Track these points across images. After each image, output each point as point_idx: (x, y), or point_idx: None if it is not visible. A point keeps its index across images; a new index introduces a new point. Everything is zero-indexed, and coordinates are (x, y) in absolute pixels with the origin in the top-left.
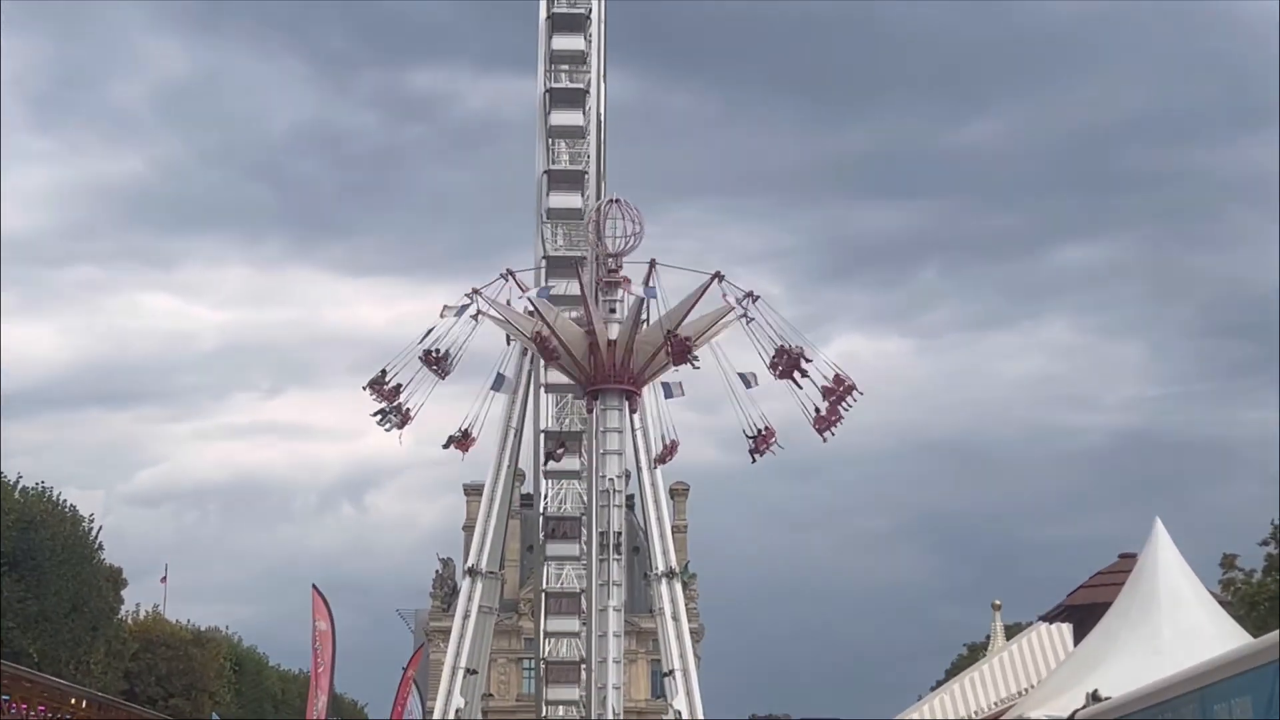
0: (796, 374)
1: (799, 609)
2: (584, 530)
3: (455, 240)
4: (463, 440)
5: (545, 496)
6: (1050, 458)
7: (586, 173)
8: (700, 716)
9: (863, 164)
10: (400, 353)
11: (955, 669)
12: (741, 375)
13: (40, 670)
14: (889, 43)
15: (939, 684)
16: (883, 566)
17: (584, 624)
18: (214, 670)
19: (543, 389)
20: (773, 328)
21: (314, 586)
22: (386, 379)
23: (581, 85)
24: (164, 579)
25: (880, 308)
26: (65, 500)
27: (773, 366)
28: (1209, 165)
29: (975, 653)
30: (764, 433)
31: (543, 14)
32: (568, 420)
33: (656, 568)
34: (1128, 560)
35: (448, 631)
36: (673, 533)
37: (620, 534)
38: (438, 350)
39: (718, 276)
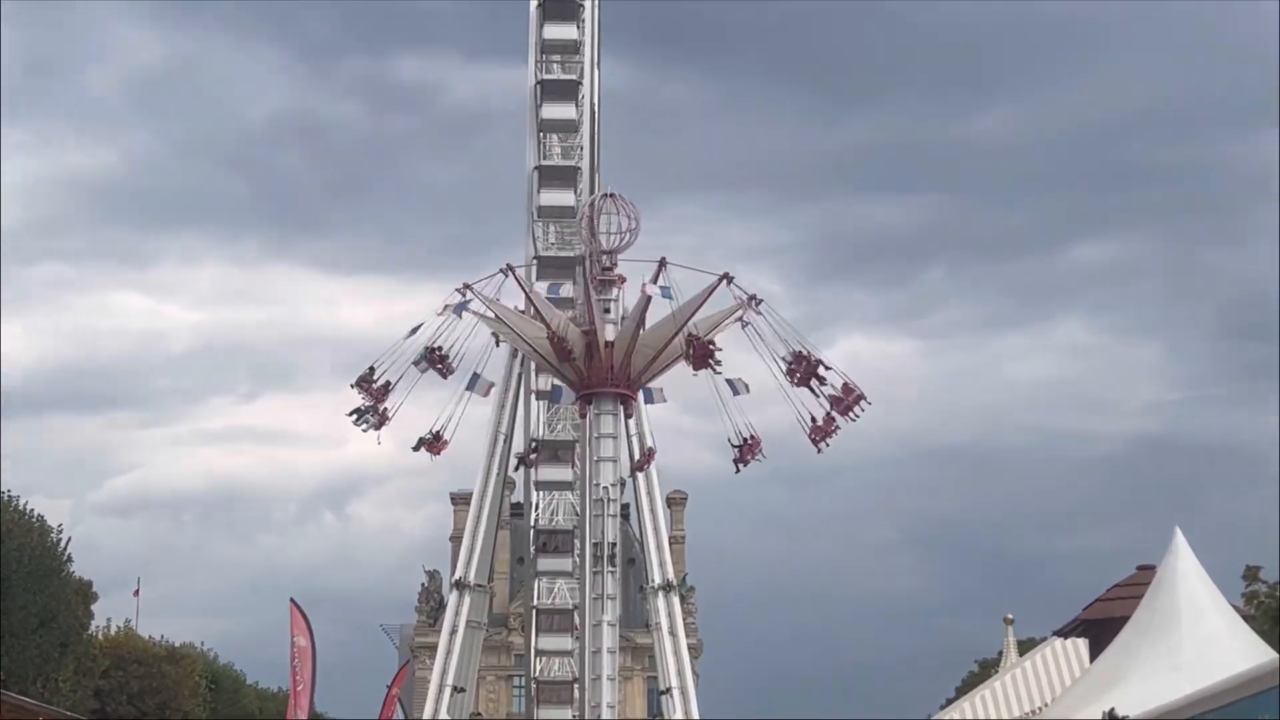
0: (814, 381)
1: (801, 622)
2: (577, 544)
3: (442, 237)
4: (434, 443)
5: (536, 508)
6: (1063, 464)
7: (579, 168)
8: None
9: (867, 157)
10: (389, 349)
11: (966, 686)
12: (729, 381)
13: (6, 689)
14: (894, 30)
15: (949, 702)
16: (889, 578)
17: (577, 640)
18: (189, 688)
19: (533, 394)
20: (776, 332)
21: (292, 600)
22: (375, 377)
23: (574, 76)
24: (136, 592)
25: (884, 308)
26: (32, 510)
27: (789, 373)
28: (1229, 158)
29: (987, 669)
30: (749, 442)
31: (534, 0)
32: (560, 426)
33: (653, 580)
34: (1146, 572)
35: (434, 647)
36: (670, 543)
37: (615, 545)
38: (439, 348)
39: (726, 278)
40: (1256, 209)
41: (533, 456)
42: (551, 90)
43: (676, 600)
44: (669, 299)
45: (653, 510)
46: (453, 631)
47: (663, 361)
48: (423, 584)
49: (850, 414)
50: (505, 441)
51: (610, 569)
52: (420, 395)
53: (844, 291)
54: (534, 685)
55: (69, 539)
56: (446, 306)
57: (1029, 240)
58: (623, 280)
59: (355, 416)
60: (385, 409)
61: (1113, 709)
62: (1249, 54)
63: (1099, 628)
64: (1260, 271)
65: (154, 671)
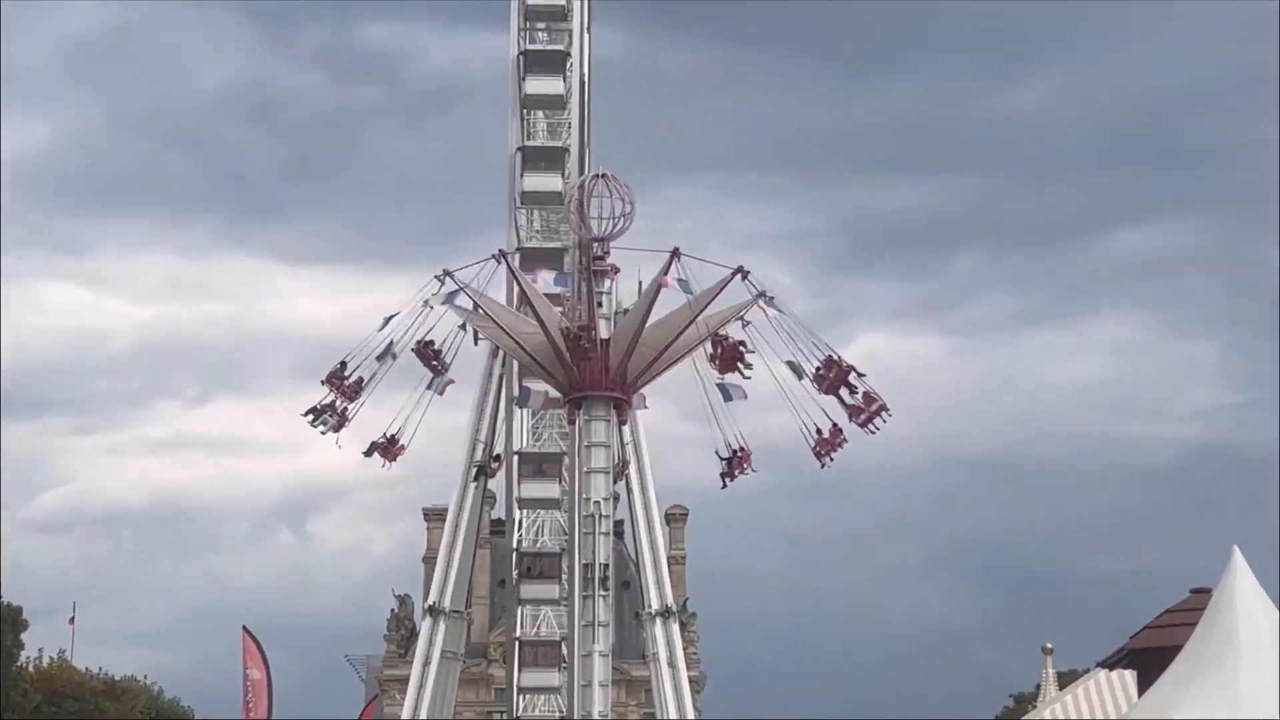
0: (844, 390)
1: (814, 652)
2: (564, 567)
3: (414, 225)
4: (389, 447)
5: (520, 527)
6: (1107, 476)
7: (567, 149)
8: None
9: (887, 134)
10: (363, 341)
11: None
12: (721, 386)
13: None
14: None
15: None
16: (912, 603)
17: (565, 673)
18: None
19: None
20: (789, 332)
21: (245, 629)
22: (347, 373)
23: (561, 46)
24: (72, 619)
25: (908, 301)
26: None
27: (818, 379)
28: None
29: (1023, 704)
30: (739, 454)
31: None
32: (545, 436)
33: (650, 606)
34: (1200, 596)
35: (405, 680)
36: (669, 564)
37: (607, 566)
38: (432, 342)
39: (740, 272)
40: None
41: (494, 466)
42: (536, 62)
43: (676, 628)
44: (690, 294)
45: (649, 528)
46: (426, 663)
47: (664, 362)
48: (392, 610)
49: (869, 426)
50: (485, 451)
51: (602, 593)
52: (384, 396)
53: (862, 284)
54: None
55: None
56: (431, 296)
57: (1068, 227)
58: (616, 271)
59: (312, 416)
60: (346, 408)
61: None
62: None
63: (1148, 658)
64: None
65: (91, 707)
